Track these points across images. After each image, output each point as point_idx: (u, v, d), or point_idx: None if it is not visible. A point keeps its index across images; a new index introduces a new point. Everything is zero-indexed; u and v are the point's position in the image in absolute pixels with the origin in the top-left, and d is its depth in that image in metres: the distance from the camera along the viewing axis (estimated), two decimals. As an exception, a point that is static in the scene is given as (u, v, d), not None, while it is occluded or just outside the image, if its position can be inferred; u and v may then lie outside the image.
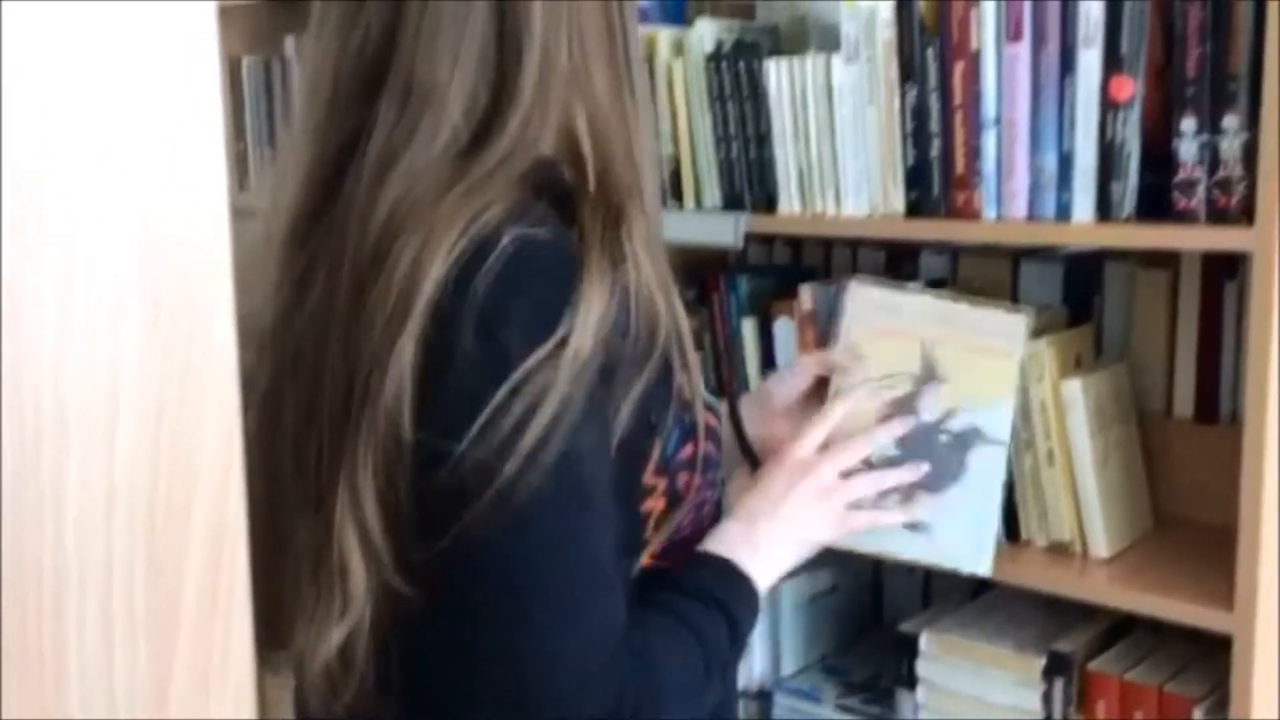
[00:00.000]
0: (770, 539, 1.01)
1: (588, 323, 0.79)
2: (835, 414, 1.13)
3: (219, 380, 0.41)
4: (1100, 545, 1.35)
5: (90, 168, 0.40)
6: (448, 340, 0.79)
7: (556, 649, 0.78)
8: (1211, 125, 1.21)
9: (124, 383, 0.39)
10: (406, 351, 0.78)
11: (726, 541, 0.99)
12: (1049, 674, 1.36)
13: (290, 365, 0.86)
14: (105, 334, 0.40)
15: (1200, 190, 1.22)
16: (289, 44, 2.13)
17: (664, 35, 1.61)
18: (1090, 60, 1.27)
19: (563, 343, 0.79)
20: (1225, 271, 1.42)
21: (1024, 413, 1.36)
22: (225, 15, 2.21)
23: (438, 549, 0.79)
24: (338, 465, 0.81)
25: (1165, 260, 1.46)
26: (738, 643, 0.95)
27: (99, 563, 0.39)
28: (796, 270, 1.69)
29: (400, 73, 0.85)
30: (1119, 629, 1.42)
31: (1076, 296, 1.51)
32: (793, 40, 1.71)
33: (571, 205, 0.86)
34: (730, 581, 0.96)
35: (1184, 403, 1.47)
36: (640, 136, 0.92)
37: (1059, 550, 1.37)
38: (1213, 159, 1.21)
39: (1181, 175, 1.23)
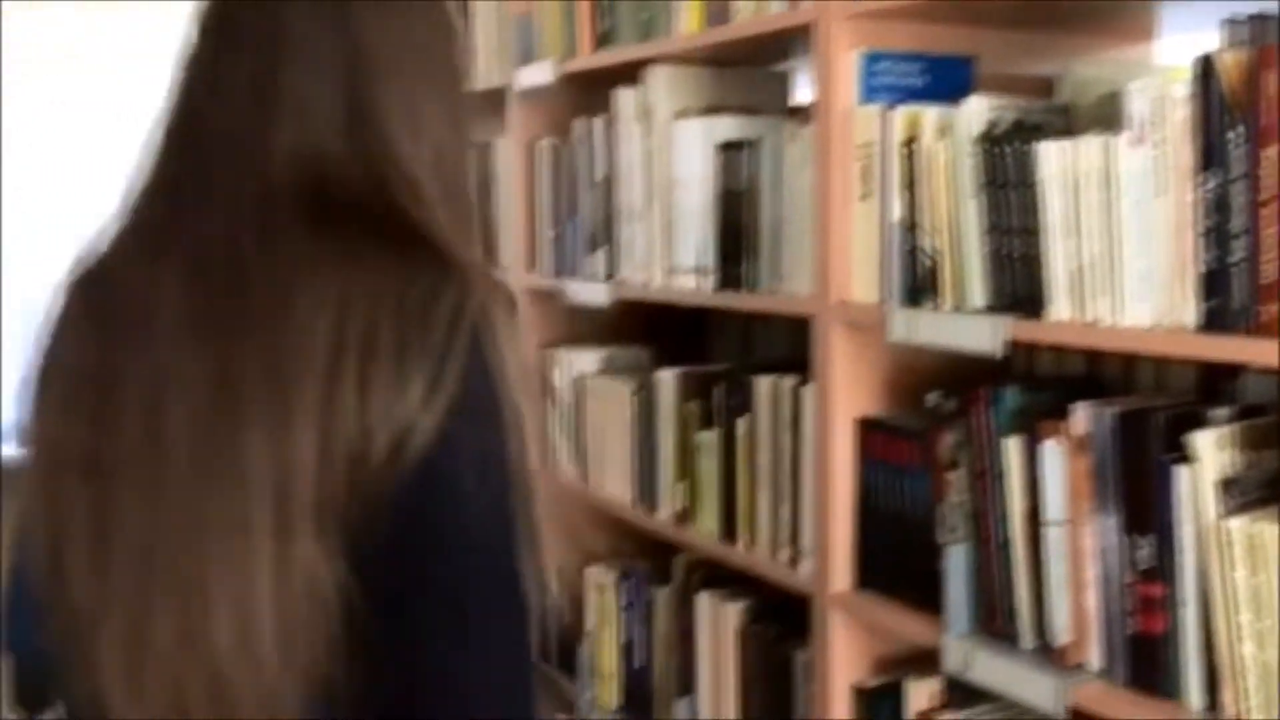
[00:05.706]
0: None
1: None
2: None
3: None
4: None
5: None
6: None
7: None
8: None
9: None
10: None
11: None
12: None
13: None
14: None
15: None
16: (577, 126, 2.12)
17: (930, 114, 1.43)
18: None
19: None
20: None
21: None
22: (525, 98, 2.24)
23: None
24: None
25: None
26: None
27: None
28: (1083, 384, 1.45)
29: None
30: None
31: None
32: (1097, 121, 1.48)
33: None
34: None
35: None
36: None
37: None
38: None
39: None
